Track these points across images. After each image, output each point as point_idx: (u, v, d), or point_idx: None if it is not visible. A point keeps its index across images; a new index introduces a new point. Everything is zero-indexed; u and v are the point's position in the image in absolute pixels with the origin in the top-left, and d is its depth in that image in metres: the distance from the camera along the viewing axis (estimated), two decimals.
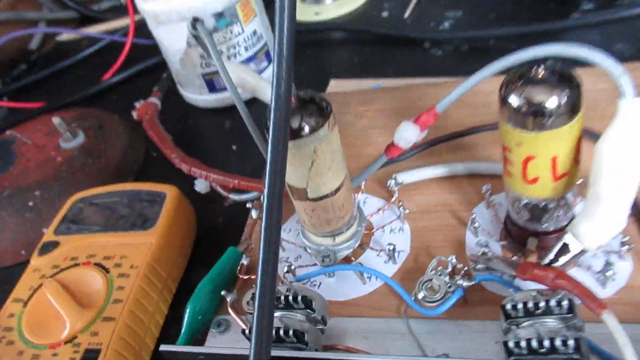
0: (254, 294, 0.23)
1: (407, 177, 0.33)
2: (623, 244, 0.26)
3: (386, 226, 0.32)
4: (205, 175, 0.37)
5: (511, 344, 0.21)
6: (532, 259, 0.28)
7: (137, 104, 0.52)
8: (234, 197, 0.37)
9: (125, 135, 0.53)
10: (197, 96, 0.56)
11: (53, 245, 0.40)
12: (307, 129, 0.24)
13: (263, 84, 0.35)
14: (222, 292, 0.29)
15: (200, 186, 0.39)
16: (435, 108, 0.25)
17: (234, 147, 0.50)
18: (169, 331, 0.34)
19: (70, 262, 0.39)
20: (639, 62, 0.38)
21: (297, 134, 0.24)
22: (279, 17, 0.20)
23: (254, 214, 0.35)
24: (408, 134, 0.26)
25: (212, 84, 0.54)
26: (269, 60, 0.55)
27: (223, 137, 0.52)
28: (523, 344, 0.21)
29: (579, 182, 0.28)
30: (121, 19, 0.73)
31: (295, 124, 0.24)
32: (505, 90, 0.23)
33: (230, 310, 0.29)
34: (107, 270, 0.37)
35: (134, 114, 0.50)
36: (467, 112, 0.38)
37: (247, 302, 0.28)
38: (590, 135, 0.33)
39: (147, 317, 0.35)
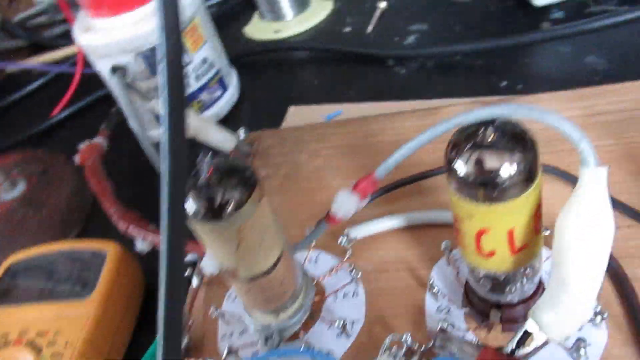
0: None
1: (361, 231, 0.30)
2: (596, 313, 0.23)
3: (339, 291, 0.29)
4: (143, 235, 0.34)
5: None
6: (498, 330, 0.24)
7: (81, 146, 0.48)
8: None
9: (72, 181, 0.49)
10: (150, 132, 0.52)
11: None
12: (229, 208, 0.21)
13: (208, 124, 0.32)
14: None
15: (141, 246, 0.35)
16: (373, 175, 0.22)
17: None
18: None
19: (1, 339, 0.35)
20: (610, 85, 0.35)
21: (216, 214, 0.21)
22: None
23: (194, 282, 0.31)
24: (347, 205, 0.22)
25: None
26: (224, 88, 0.52)
27: None
28: None
29: (547, 233, 0.25)
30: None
31: (213, 202, 0.21)
32: (451, 154, 0.20)
33: None
34: (39, 350, 0.34)
35: (76, 159, 0.46)
36: (430, 147, 0.34)
37: None
38: (558, 174, 0.30)
39: None
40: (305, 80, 0.55)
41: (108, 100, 0.58)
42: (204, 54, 0.49)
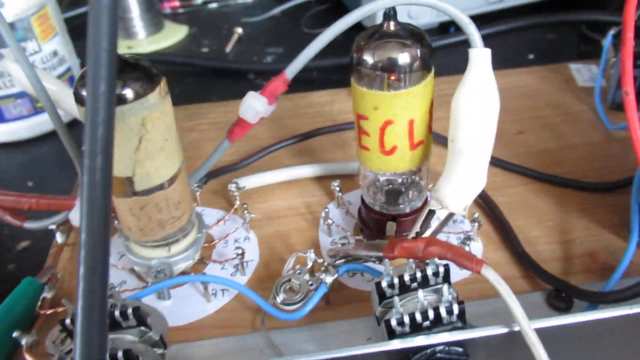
0: (63, 323, 0.17)
1: (250, 181, 0.30)
2: (474, 221, 0.26)
3: (229, 236, 0.28)
4: None
5: (394, 323, 0.18)
6: None
7: None
8: (31, 225, 0.29)
9: None
10: None
11: None
12: (131, 94, 0.20)
13: (67, 90, 0.29)
14: (15, 334, 0.22)
15: None
16: (284, 73, 0.23)
17: (30, 184, 0.41)
18: None
19: None
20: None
21: (120, 99, 0.19)
22: None
23: (59, 238, 0.27)
24: (256, 104, 0.22)
25: (0, 113, 0.45)
26: None
27: (15, 174, 0.43)
28: (406, 320, 0.18)
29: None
30: None
31: (117, 88, 0.19)
32: (358, 49, 0.21)
33: (26, 356, 0.21)
34: None
35: None
36: (304, 121, 0.36)
37: (54, 342, 0.20)
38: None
39: None
40: None
41: None
42: (54, 46, 0.45)
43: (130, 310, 0.19)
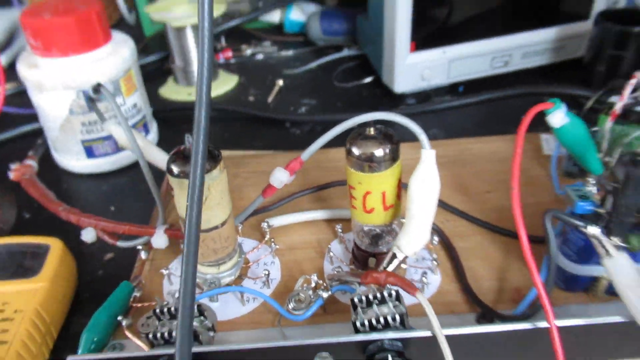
0: (155, 311, 0.28)
1: (277, 221, 0.41)
2: (433, 259, 0.36)
3: (260, 260, 0.39)
4: (95, 223, 0.41)
5: (358, 324, 0.29)
6: None
7: (13, 166, 0.54)
8: (123, 244, 0.41)
9: None
10: (74, 162, 0.59)
11: None
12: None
13: (152, 147, 0.41)
14: (119, 317, 0.33)
15: (87, 236, 0.42)
16: (300, 157, 0.34)
17: (112, 208, 0.54)
18: None
19: None
20: (447, 140, 0.51)
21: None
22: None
23: (143, 255, 0.39)
24: (280, 176, 0.34)
25: (91, 150, 0.58)
26: (147, 131, 0.61)
27: (100, 200, 0.55)
28: (366, 322, 0.29)
29: (400, 220, 0.38)
30: None
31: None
32: (349, 145, 0.33)
33: (127, 332, 0.33)
34: None
35: (10, 175, 0.52)
36: (322, 173, 0.47)
37: (142, 324, 0.32)
38: None
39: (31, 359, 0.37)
40: (216, 133, 0.66)
41: (20, 138, 0.65)
42: (135, 100, 0.58)
43: (195, 306, 0.30)
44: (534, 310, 0.31)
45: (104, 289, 0.40)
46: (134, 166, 0.60)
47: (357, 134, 0.33)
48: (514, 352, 0.30)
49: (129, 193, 0.57)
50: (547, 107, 0.31)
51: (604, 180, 0.31)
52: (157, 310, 0.30)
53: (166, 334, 0.29)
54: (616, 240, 0.28)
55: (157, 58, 0.82)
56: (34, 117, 0.60)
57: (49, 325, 0.40)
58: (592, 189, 0.31)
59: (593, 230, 0.28)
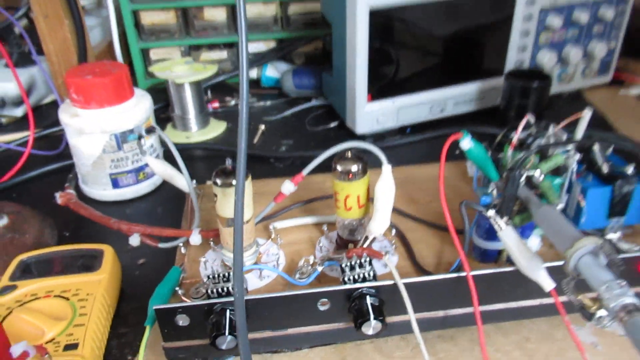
0: (208, 276, 0.43)
1: (280, 224, 0.56)
2: (393, 244, 0.52)
3: (269, 252, 0.54)
4: (143, 230, 0.55)
5: (346, 279, 0.44)
6: None
7: (58, 194, 0.67)
8: (163, 245, 0.55)
9: (39, 220, 0.66)
10: (102, 191, 0.73)
11: (11, 288, 0.53)
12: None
13: (177, 173, 0.56)
14: (176, 288, 0.47)
15: (134, 241, 0.56)
16: (302, 173, 0.50)
17: None
18: (110, 343, 0.51)
19: (32, 297, 0.52)
20: (399, 167, 0.68)
21: (231, 184, 0.46)
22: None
23: (183, 250, 0.53)
24: (289, 186, 0.50)
25: (117, 182, 0.72)
26: None
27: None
28: (351, 278, 0.44)
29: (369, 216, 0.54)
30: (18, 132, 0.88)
31: (231, 179, 0.46)
32: (335, 164, 0.49)
33: (183, 298, 0.47)
34: (67, 299, 0.51)
35: (59, 200, 0.65)
36: (309, 192, 0.63)
37: (195, 290, 0.46)
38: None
39: (102, 326, 0.50)
40: (210, 168, 0.80)
41: (48, 174, 0.78)
42: (152, 141, 0.73)
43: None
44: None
45: (142, 283, 0.54)
46: (152, 193, 0.75)
47: (339, 156, 0.49)
48: (447, 294, 0.46)
49: (149, 215, 0.71)
50: (458, 137, 0.48)
51: (499, 183, 0.48)
52: (210, 276, 0.45)
53: (219, 289, 0.44)
54: (505, 219, 0.45)
55: (156, 107, 0.97)
56: (55, 158, 0.75)
57: (109, 306, 0.53)
58: (492, 189, 0.48)
59: (490, 212, 0.45)
